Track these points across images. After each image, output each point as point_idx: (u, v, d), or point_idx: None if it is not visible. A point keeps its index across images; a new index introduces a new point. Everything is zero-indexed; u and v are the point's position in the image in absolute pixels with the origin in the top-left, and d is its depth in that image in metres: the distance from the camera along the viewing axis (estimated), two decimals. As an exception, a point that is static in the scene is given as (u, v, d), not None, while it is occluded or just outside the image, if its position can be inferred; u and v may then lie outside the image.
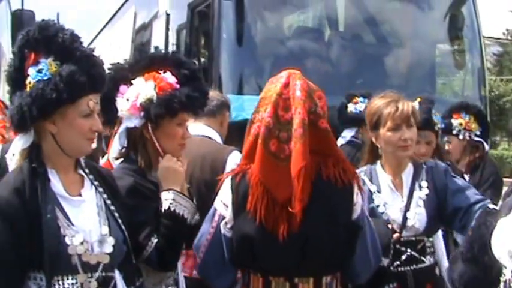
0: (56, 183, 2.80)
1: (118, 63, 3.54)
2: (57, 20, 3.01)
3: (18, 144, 2.81)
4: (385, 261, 3.75)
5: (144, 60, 3.49)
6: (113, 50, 11.78)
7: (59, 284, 2.72)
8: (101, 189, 2.94)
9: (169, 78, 3.39)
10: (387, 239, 3.76)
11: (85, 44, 2.88)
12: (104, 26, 14.18)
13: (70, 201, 2.82)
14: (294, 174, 2.98)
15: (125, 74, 3.45)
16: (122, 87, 3.39)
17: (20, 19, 6.99)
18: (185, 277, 3.76)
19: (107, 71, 3.27)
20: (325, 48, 7.96)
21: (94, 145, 2.93)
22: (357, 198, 3.17)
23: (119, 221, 2.94)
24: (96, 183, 2.94)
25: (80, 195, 2.88)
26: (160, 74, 3.40)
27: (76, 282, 2.74)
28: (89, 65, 2.77)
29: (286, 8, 7.92)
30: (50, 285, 2.69)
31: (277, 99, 3.09)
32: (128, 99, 3.35)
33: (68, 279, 2.74)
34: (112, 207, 2.94)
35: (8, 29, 7.71)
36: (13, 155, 2.86)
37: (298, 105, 3.05)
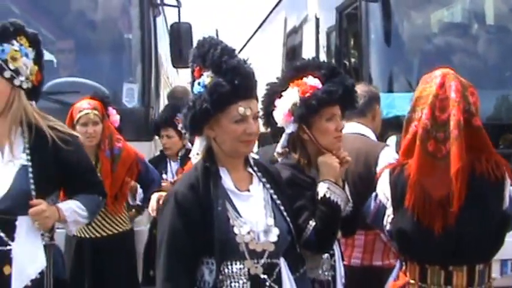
0: (226, 180, 3.13)
1: (272, 82, 3.89)
2: (216, 35, 3.38)
3: (198, 145, 3.20)
4: None
5: (290, 72, 3.81)
6: (265, 54, 12.10)
7: (228, 268, 3.02)
8: (268, 185, 3.20)
9: (310, 81, 3.65)
10: None
11: (237, 48, 3.22)
12: (256, 31, 14.50)
13: (239, 195, 3.13)
14: (452, 175, 3.13)
15: (277, 89, 3.76)
16: (277, 101, 3.70)
17: (177, 32, 7.31)
18: (344, 265, 4.02)
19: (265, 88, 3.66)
20: (473, 42, 7.84)
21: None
22: (507, 190, 3.30)
23: (284, 213, 3.20)
24: (264, 179, 3.21)
25: (249, 190, 3.16)
26: (303, 79, 3.67)
27: (243, 267, 3.03)
28: (233, 76, 3.03)
29: (430, 5, 7.89)
30: (220, 269, 2.99)
31: (434, 100, 3.25)
32: (280, 110, 3.66)
33: (236, 264, 3.03)
34: (278, 201, 3.21)
35: (165, 41, 8.16)
36: (197, 154, 3.21)
37: (453, 106, 3.20)
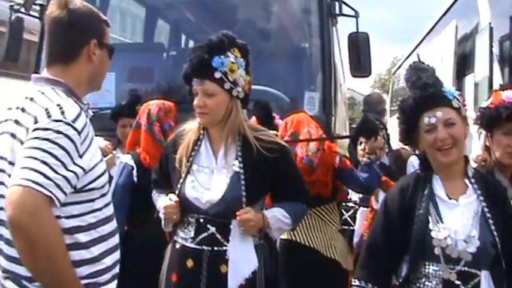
0: (437, 187, 3.39)
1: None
2: (418, 59, 3.69)
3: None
4: None
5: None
6: (433, 62, 11.73)
7: (424, 268, 3.28)
8: (482, 198, 3.36)
9: (507, 93, 3.86)
10: None
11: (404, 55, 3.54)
12: (423, 39, 14.49)
13: (446, 203, 3.36)
14: None
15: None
16: None
17: (355, 41, 7.40)
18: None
19: None
20: None
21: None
22: None
23: (492, 227, 3.29)
24: (479, 192, 3.37)
25: (457, 200, 3.37)
26: (504, 91, 3.90)
27: (438, 270, 3.26)
28: (414, 90, 3.41)
29: None
30: (413, 268, 3.28)
31: None
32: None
33: (431, 265, 3.27)
34: (488, 214, 3.32)
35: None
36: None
37: None
